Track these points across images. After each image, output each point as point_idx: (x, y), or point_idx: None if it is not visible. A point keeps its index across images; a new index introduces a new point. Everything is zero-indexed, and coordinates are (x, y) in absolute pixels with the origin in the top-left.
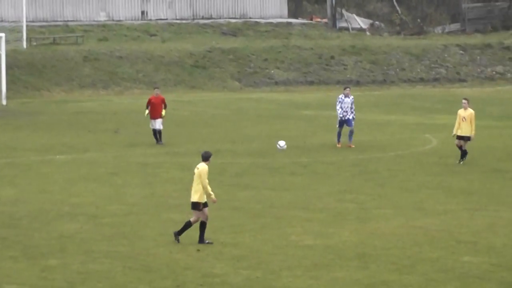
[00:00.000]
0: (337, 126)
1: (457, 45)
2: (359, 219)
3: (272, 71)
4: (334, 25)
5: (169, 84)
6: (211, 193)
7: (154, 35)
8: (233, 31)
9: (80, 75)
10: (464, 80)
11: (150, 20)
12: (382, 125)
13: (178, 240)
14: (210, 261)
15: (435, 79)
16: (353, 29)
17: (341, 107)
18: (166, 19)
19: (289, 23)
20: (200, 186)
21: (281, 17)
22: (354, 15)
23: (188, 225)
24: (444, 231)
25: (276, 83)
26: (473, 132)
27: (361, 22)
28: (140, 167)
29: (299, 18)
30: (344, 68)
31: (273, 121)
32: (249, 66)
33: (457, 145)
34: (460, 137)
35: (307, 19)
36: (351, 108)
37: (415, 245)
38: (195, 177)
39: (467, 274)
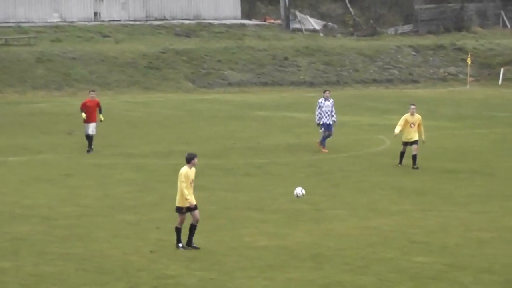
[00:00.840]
0: (321, 130)
1: (410, 46)
2: (313, 220)
3: (226, 72)
4: (288, 26)
5: (123, 85)
6: (187, 197)
7: (108, 36)
8: (187, 32)
9: (33, 76)
10: (417, 81)
11: (103, 21)
12: (336, 126)
13: (183, 247)
14: (164, 262)
15: (388, 80)
16: (306, 30)
17: (321, 112)
18: (120, 20)
19: (243, 24)
20: (184, 190)
21: (235, 18)
22: (308, 16)
23: (178, 230)
24: (398, 231)
25: (230, 84)
26: (423, 135)
27: (314, 23)
28: (94, 168)
29: (252, 19)
30: (298, 69)
31: (227, 122)
32: (203, 67)
33: (402, 151)
34: (407, 143)
35: (260, 20)
36: (332, 111)
37: (368, 246)
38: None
39: (420, 274)
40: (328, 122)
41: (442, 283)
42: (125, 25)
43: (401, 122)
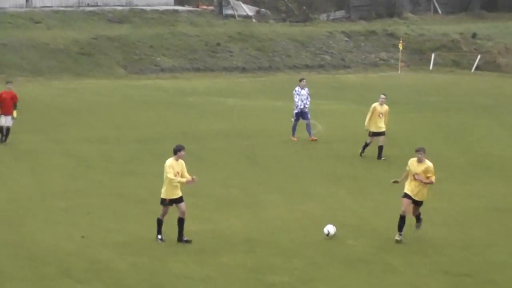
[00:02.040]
0: (293, 119)
1: (342, 32)
2: (245, 204)
3: (158, 58)
4: (221, 12)
5: (55, 71)
6: (182, 180)
7: (39, 22)
8: (119, 18)
9: None
10: (348, 67)
11: (35, 7)
12: (268, 111)
13: (186, 241)
14: (95, 247)
15: (320, 66)
16: (239, 16)
17: (298, 100)
18: (51, 6)
19: (176, 11)
20: (166, 182)
21: (167, 4)
22: (241, 2)
23: (158, 222)
24: (329, 215)
25: (162, 70)
26: (385, 126)
27: (247, 9)
28: (25, 154)
29: (185, 6)
30: (231, 55)
31: (159, 108)
32: (135, 53)
33: (368, 142)
34: (375, 134)
35: (193, 7)
36: (307, 99)
37: (300, 229)
38: None
39: (351, 257)
40: (305, 111)
41: (372, 266)
42: (57, 12)
43: (370, 111)
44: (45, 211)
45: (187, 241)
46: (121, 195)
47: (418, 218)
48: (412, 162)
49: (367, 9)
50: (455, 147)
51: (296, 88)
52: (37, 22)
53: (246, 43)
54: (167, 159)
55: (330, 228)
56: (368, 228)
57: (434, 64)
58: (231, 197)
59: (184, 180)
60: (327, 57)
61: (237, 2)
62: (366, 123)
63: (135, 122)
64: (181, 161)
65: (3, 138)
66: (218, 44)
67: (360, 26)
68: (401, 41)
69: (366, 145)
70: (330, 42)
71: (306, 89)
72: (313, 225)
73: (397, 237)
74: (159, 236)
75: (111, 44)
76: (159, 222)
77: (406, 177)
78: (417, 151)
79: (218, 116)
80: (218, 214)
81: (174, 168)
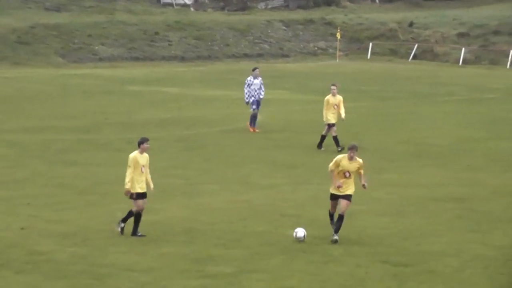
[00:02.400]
0: (251, 109)
1: (281, 21)
2: (186, 194)
3: (97, 47)
4: (159, 0)
5: None
6: (126, 182)
7: None
8: (57, 6)
9: None
10: (287, 56)
11: None
12: (208, 101)
13: (121, 229)
14: (35, 238)
15: (259, 55)
16: (177, 5)
17: (249, 90)
18: None
19: None
20: (126, 175)
21: None
22: None
23: (130, 214)
24: (269, 205)
25: (101, 59)
26: (343, 114)
27: None
28: None
29: None
30: (169, 44)
31: (98, 97)
32: (73, 42)
33: (324, 134)
34: (331, 125)
35: None
36: (261, 89)
37: (240, 220)
38: None
39: (291, 247)
40: (257, 99)
41: (313, 256)
42: None
43: (324, 105)
44: None
45: (141, 236)
46: (61, 185)
47: (342, 218)
48: (343, 159)
49: None
50: (393, 136)
51: (248, 78)
52: None
53: (185, 32)
54: (106, 148)
55: (299, 233)
56: (308, 217)
57: (372, 53)
58: (171, 187)
59: (129, 188)
60: (266, 46)
61: None
62: (324, 117)
63: (74, 112)
64: (145, 154)
65: None
66: (157, 33)
67: (298, 14)
68: (339, 30)
69: (324, 137)
70: (269, 31)
71: (260, 78)
72: (254, 215)
73: (334, 237)
74: (122, 224)
75: (49, 33)
76: (130, 213)
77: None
78: (350, 149)
79: (158, 105)
80: (159, 204)
81: (139, 162)
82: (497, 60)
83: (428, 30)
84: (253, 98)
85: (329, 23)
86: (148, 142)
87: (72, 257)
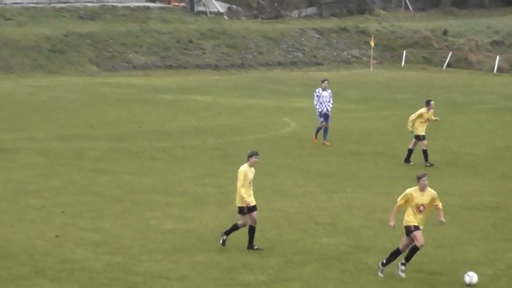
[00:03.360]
0: (319, 120)
1: (314, 29)
2: (219, 202)
3: (130, 56)
4: (192, 9)
5: (26, 68)
6: (243, 195)
7: (10, 19)
8: (91, 15)
9: None
10: (321, 64)
11: (6, 4)
12: (241, 109)
13: (223, 241)
14: (70, 247)
15: (293, 63)
16: (210, 13)
17: (319, 102)
18: (22, 3)
19: (147, 7)
20: (241, 189)
21: (138, 1)
22: None
23: (234, 227)
24: (303, 213)
25: (135, 67)
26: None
27: (218, 6)
28: None
29: (156, 2)
30: (203, 52)
31: (132, 105)
32: (107, 50)
33: (412, 148)
34: (421, 138)
35: (165, 3)
36: (329, 102)
37: (274, 228)
38: None
39: (325, 256)
40: (326, 112)
41: (347, 264)
42: (27, 8)
43: (416, 117)
44: (19, 210)
45: (258, 249)
46: (95, 193)
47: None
48: (413, 192)
49: (338, 6)
50: (428, 144)
51: (317, 90)
52: (8, 19)
53: (218, 40)
54: (140, 157)
55: (473, 277)
56: (342, 226)
57: (405, 61)
58: (205, 195)
59: (249, 201)
60: (299, 54)
61: None
62: (412, 129)
63: (107, 120)
64: (252, 169)
65: None
66: (190, 41)
67: (332, 23)
68: (372, 38)
69: (411, 151)
70: (302, 39)
71: (329, 90)
72: (288, 224)
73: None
74: (224, 237)
75: (83, 41)
76: (234, 227)
77: (398, 212)
78: (421, 177)
79: (191, 114)
80: (192, 213)
81: (248, 176)
82: None
83: (462, 38)
84: (320, 110)
85: (363, 31)
86: (257, 156)
87: (107, 265)
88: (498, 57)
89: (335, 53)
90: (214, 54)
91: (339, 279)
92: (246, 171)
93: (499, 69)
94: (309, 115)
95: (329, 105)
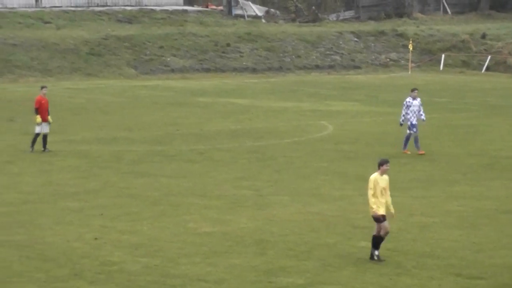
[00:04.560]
0: (408, 130)
1: (352, 32)
2: (256, 205)
3: (168, 59)
4: (230, 12)
5: (65, 71)
6: (372, 206)
7: (49, 22)
8: (129, 18)
9: None
10: (358, 67)
11: (45, 7)
12: (279, 112)
13: (377, 258)
14: (108, 249)
15: (330, 66)
16: (248, 16)
17: (408, 112)
18: (61, 6)
19: (185, 11)
20: (370, 198)
21: (176, 4)
22: (250, 2)
23: (377, 238)
24: (341, 216)
25: (172, 70)
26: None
27: (256, 10)
28: (36, 155)
29: (194, 6)
30: (240, 55)
31: (169, 108)
32: (145, 53)
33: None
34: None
35: (202, 7)
36: (420, 111)
37: (312, 231)
38: None
39: (363, 259)
40: (413, 122)
41: (385, 268)
42: (66, 11)
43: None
44: (57, 212)
45: (379, 260)
46: (133, 195)
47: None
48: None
49: (376, 9)
50: (465, 148)
51: (407, 99)
52: (46, 22)
53: (256, 44)
54: (177, 159)
55: None
56: None
57: (444, 65)
58: (242, 198)
59: (377, 211)
60: (337, 57)
61: (246, 2)
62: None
63: (145, 123)
64: (385, 176)
65: (44, 147)
66: (228, 44)
67: (369, 26)
68: (410, 42)
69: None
70: (340, 43)
71: (419, 99)
72: (325, 227)
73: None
74: (376, 252)
75: (121, 44)
76: (376, 239)
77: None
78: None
79: (228, 117)
80: (229, 215)
81: (379, 184)
82: None
83: (500, 41)
84: (410, 121)
85: (401, 35)
86: (388, 164)
87: (145, 267)
88: None
89: (373, 57)
90: (251, 57)
91: (377, 282)
92: (376, 179)
93: None
94: (346, 118)
95: (421, 114)
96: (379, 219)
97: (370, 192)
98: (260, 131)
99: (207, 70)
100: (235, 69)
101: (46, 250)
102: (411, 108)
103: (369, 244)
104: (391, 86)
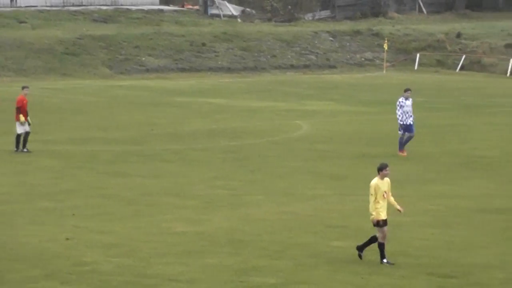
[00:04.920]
0: (399, 131)
1: (327, 32)
2: (231, 205)
3: (144, 58)
4: (206, 12)
5: (40, 71)
6: (372, 213)
7: (24, 22)
8: (104, 18)
9: None
10: (334, 67)
11: (20, 7)
12: (254, 112)
13: (388, 263)
14: (81, 249)
15: (306, 66)
16: (224, 16)
17: (402, 112)
18: (36, 6)
19: (161, 10)
20: (372, 204)
21: (152, 4)
22: (226, 2)
23: (379, 246)
24: (314, 216)
25: (148, 70)
26: None
27: (232, 9)
28: (10, 155)
29: (170, 5)
30: (216, 55)
31: (145, 108)
32: (120, 53)
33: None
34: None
35: (178, 6)
36: (411, 111)
37: (285, 231)
38: None
39: (336, 258)
40: (409, 123)
41: (357, 267)
42: (41, 11)
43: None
44: (31, 212)
45: (389, 263)
46: (107, 196)
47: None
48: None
49: (352, 8)
50: (440, 147)
51: (400, 99)
52: (22, 22)
53: (232, 43)
54: (153, 159)
55: None
56: (354, 228)
57: (419, 64)
58: (217, 197)
59: (377, 217)
60: (313, 57)
61: (222, 1)
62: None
63: (121, 123)
64: (386, 179)
65: (24, 146)
66: (204, 44)
67: (345, 25)
68: (386, 41)
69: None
70: (316, 42)
71: (411, 99)
72: (299, 226)
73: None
74: (384, 260)
75: (96, 44)
76: (381, 246)
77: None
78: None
79: (204, 116)
80: (204, 215)
81: (380, 188)
82: None
83: (475, 41)
84: (405, 121)
85: (376, 34)
86: (388, 168)
87: (117, 267)
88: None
89: (348, 56)
90: (227, 56)
91: (350, 282)
92: (377, 184)
93: None
94: (322, 118)
95: (411, 114)
96: (379, 224)
97: (372, 198)
98: (236, 130)
99: (183, 70)
100: (210, 69)
101: (19, 250)
102: (404, 109)
103: (342, 243)
104: (366, 86)
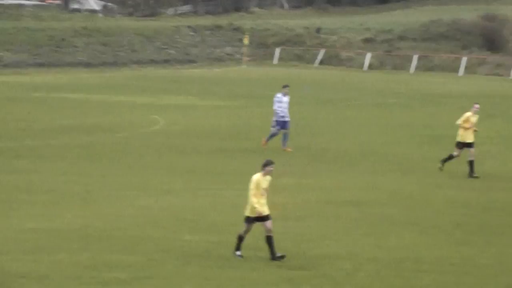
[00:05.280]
0: (274, 126)
1: (189, 27)
2: (83, 201)
3: (1, 53)
4: (67, 6)
5: None
6: (255, 205)
7: None
8: None
9: None
10: (193, 61)
11: None
12: (111, 107)
13: (280, 257)
14: None
15: (166, 61)
16: (85, 10)
17: (280, 107)
18: None
19: (21, 5)
20: (252, 198)
21: None
22: None
23: (240, 238)
24: (167, 210)
25: (5, 65)
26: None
27: (94, 4)
28: None
29: (31, 0)
30: (75, 50)
31: (1, 103)
32: None
33: (455, 155)
34: (466, 144)
35: (39, 1)
36: (287, 108)
37: (137, 226)
38: None
39: (187, 253)
40: (285, 120)
41: (208, 261)
42: None
43: (462, 119)
44: None
45: (282, 257)
46: None
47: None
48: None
49: (213, 3)
50: (293, 140)
51: (278, 95)
52: None
53: (92, 38)
54: (5, 156)
55: None
56: (206, 222)
57: (278, 58)
58: (69, 193)
59: (260, 210)
60: (173, 51)
61: None
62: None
63: None
64: (268, 177)
65: None
66: (63, 39)
67: (207, 20)
68: (246, 36)
69: (452, 157)
70: (176, 37)
71: (288, 96)
72: (151, 221)
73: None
74: (238, 253)
75: None
76: (240, 239)
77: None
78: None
79: (60, 112)
80: (55, 210)
81: (260, 185)
82: (402, 65)
83: (335, 35)
84: (281, 117)
85: (237, 29)
86: (273, 165)
87: None
88: (368, 54)
89: (209, 51)
90: (86, 51)
91: (201, 275)
92: (258, 180)
93: (370, 66)
94: (179, 112)
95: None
96: (249, 219)
97: (252, 192)
98: (92, 126)
99: (41, 65)
100: (69, 64)
101: None
102: (280, 104)
103: (194, 238)
104: (225, 80)
